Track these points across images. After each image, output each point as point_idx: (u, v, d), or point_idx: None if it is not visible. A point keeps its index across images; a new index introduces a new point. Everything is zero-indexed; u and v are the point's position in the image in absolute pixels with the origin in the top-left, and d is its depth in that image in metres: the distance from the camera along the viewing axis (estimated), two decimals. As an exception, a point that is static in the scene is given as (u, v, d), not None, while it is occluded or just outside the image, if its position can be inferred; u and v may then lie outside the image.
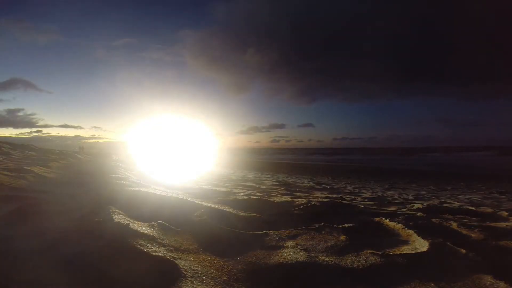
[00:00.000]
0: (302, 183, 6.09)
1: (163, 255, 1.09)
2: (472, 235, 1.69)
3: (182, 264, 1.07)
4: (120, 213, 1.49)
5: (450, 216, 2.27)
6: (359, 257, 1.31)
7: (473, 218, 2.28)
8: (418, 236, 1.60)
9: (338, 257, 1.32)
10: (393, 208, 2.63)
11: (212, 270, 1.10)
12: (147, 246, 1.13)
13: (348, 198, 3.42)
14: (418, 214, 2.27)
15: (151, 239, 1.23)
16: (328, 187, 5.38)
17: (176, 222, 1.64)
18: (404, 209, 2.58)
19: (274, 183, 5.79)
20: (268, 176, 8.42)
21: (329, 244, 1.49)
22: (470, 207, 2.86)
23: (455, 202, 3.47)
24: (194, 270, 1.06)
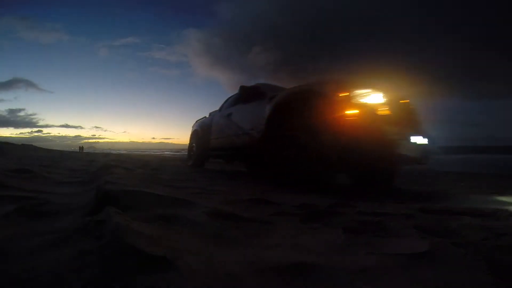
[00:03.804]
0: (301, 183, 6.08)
1: (163, 255, 1.09)
2: (472, 235, 1.69)
3: (182, 264, 1.08)
4: (120, 213, 1.49)
5: (450, 216, 2.27)
6: (359, 257, 1.31)
7: (473, 218, 2.28)
8: (418, 236, 1.60)
9: (338, 257, 1.32)
10: (392, 208, 2.63)
11: (212, 270, 1.10)
12: (147, 246, 1.13)
13: (348, 198, 3.42)
14: (418, 214, 2.27)
15: (151, 238, 1.23)
16: (327, 186, 5.37)
17: (176, 221, 1.64)
18: (404, 209, 2.58)
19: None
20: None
21: (328, 244, 1.49)
22: (470, 207, 2.86)
23: (455, 202, 3.47)
24: (194, 270, 1.06)
